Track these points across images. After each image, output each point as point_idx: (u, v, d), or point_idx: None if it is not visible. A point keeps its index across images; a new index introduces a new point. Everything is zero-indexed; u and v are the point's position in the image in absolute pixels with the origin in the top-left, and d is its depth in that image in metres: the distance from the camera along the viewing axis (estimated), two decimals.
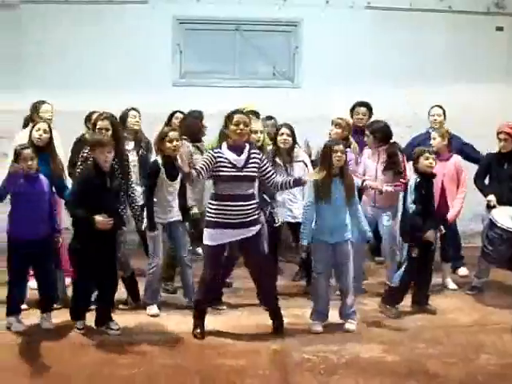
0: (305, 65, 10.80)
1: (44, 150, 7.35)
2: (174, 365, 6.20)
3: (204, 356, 6.42)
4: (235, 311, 7.56)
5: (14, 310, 6.94)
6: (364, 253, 8.45)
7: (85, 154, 7.47)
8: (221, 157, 6.65)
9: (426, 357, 6.43)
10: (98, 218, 6.58)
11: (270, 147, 8.20)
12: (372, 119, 9.03)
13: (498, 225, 7.79)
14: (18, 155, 6.77)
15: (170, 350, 6.55)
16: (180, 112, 9.02)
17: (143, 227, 7.42)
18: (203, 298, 6.99)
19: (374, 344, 6.72)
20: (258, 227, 6.84)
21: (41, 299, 7.09)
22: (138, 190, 7.86)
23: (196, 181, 6.80)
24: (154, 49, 10.53)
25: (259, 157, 6.84)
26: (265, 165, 6.87)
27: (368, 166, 8.13)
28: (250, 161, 6.76)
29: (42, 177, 6.97)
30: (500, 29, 11.00)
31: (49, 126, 7.59)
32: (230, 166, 6.65)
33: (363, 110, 9.20)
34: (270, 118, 9.16)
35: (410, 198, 7.40)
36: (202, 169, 6.59)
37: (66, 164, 7.98)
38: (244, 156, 6.74)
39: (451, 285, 8.56)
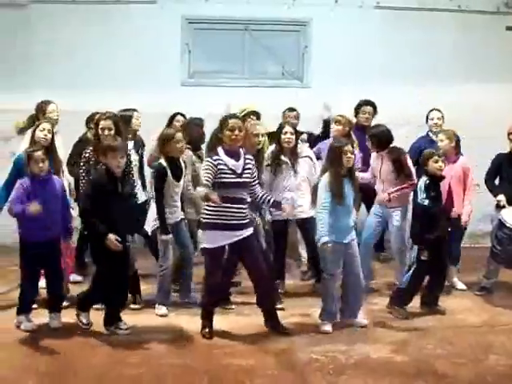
0: (314, 64, 10.78)
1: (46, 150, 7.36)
2: (183, 364, 6.18)
3: (212, 356, 6.41)
4: (243, 311, 7.54)
5: (24, 309, 6.95)
6: (372, 252, 8.42)
7: (87, 155, 7.49)
8: (220, 164, 6.63)
9: (434, 357, 6.40)
10: (112, 236, 6.56)
11: (272, 147, 8.16)
12: (377, 118, 9.08)
13: (507, 225, 7.78)
14: (29, 157, 6.79)
15: (178, 349, 6.54)
16: (181, 114, 8.98)
17: (150, 230, 7.41)
18: (208, 300, 6.98)
19: (382, 344, 6.70)
20: (252, 228, 6.89)
21: (49, 299, 7.11)
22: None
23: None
24: (162, 48, 10.53)
25: (252, 163, 6.90)
26: (255, 171, 6.93)
27: (373, 169, 8.15)
28: (246, 166, 6.79)
29: (54, 178, 6.98)
30: (510, 28, 10.95)
31: (52, 126, 7.62)
32: (229, 172, 6.65)
33: (369, 108, 9.19)
34: (292, 109, 9.19)
35: (421, 196, 7.37)
36: (208, 181, 6.55)
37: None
38: (241, 162, 6.76)
39: (459, 285, 8.53)
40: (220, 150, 6.74)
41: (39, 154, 6.77)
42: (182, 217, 7.60)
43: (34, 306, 7.17)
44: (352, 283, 7.11)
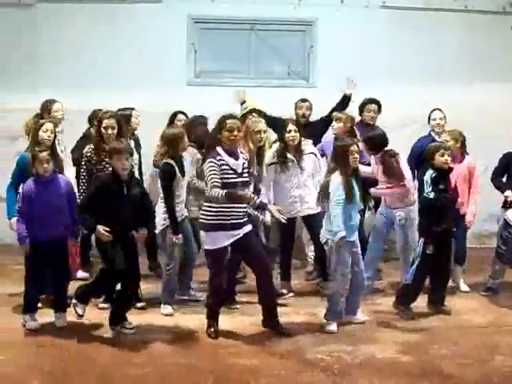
0: (320, 64, 10.77)
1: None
2: (188, 364, 6.19)
3: (217, 355, 6.41)
4: (249, 311, 7.53)
5: (29, 308, 6.97)
6: (381, 252, 8.41)
7: (88, 154, 7.49)
8: (223, 164, 6.62)
9: (440, 358, 6.39)
10: (100, 228, 6.62)
11: (275, 145, 8.16)
12: (383, 118, 9.10)
13: None
14: (34, 158, 6.82)
15: (183, 349, 6.54)
16: (182, 113, 9.00)
17: (159, 229, 7.41)
18: (214, 300, 6.98)
19: (388, 344, 6.70)
20: (251, 224, 6.90)
21: (54, 298, 7.12)
22: None
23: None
24: (168, 48, 10.53)
25: (247, 162, 6.94)
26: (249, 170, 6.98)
27: (373, 171, 8.16)
28: (244, 165, 6.82)
29: (59, 178, 6.99)
30: None
31: (55, 126, 7.66)
32: (231, 171, 6.65)
33: (374, 106, 9.16)
34: (304, 100, 9.20)
35: (427, 189, 7.36)
36: (218, 182, 6.53)
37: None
38: (241, 161, 6.78)
39: (463, 287, 8.50)
40: (220, 149, 6.72)
41: (44, 154, 6.79)
42: (186, 214, 7.61)
43: (39, 305, 7.18)
44: (356, 282, 7.15)
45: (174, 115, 8.96)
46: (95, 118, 8.09)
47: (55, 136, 7.57)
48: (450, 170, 7.52)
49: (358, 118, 8.94)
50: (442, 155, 7.38)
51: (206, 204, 6.74)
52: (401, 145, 8.93)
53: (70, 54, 10.41)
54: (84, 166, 7.55)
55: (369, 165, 8.14)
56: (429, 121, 9.06)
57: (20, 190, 7.08)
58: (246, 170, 6.82)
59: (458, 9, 10.81)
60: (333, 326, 7.03)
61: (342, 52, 10.45)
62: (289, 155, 7.98)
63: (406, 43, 10.65)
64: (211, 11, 10.69)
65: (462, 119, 9.06)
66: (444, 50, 10.69)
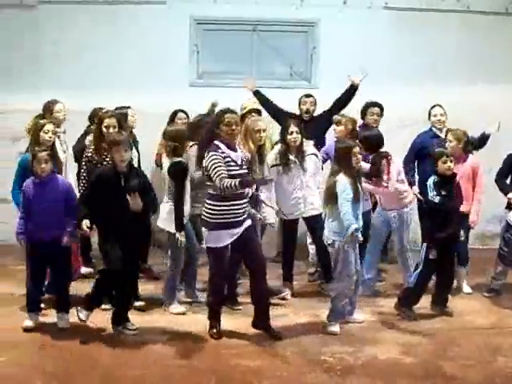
0: (322, 65, 10.76)
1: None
2: (190, 365, 6.19)
3: (220, 356, 6.41)
4: (251, 311, 7.47)
5: (31, 308, 6.97)
6: (379, 253, 8.40)
7: (89, 154, 7.50)
8: (226, 156, 6.63)
9: (443, 359, 6.39)
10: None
11: (277, 147, 8.14)
12: (385, 119, 9.16)
13: None
14: (33, 157, 6.83)
15: (185, 349, 6.53)
16: (182, 111, 9.02)
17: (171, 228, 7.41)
18: (214, 299, 6.97)
19: (390, 346, 6.69)
20: (250, 220, 6.91)
21: (56, 299, 7.13)
22: None
23: None
24: (170, 49, 10.52)
25: (247, 159, 6.96)
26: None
27: None
28: (243, 158, 6.83)
29: (58, 179, 6.98)
30: None
31: (56, 126, 7.67)
32: (233, 164, 6.66)
33: (377, 110, 9.15)
34: (309, 95, 9.24)
35: (431, 193, 7.39)
36: (225, 173, 6.52)
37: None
38: (239, 153, 6.80)
39: (466, 288, 8.47)
40: (219, 143, 6.69)
41: (43, 154, 6.79)
42: (189, 211, 7.57)
43: (42, 305, 7.19)
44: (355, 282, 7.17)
45: (175, 114, 8.99)
46: (95, 116, 8.09)
47: (58, 137, 7.57)
48: (454, 175, 7.51)
49: (359, 121, 8.92)
50: (445, 162, 7.38)
51: (210, 202, 6.73)
52: (402, 145, 8.97)
53: (72, 54, 10.41)
54: (84, 166, 7.57)
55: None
56: (429, 117, 9.07)
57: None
58: (244, 162, 6.82)
59: (460, 10, 10.78)
60: (335, 327, 7.02)
61: (345, 53, 10.42)
62: (291, 156, 7.97)
63: (408, 44, 10.63)
64: (214, 12, 10.68)
65: (464, 120, 9.03)
66: (446, 50, 10.68)
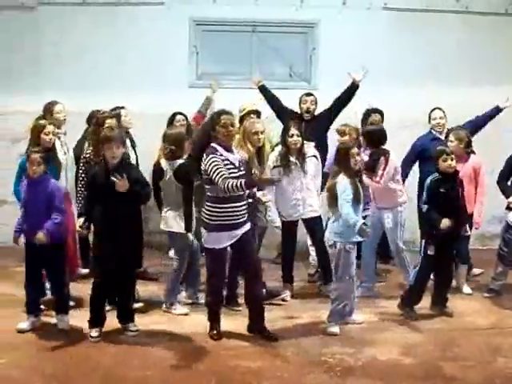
0: (321, 66, 10.75)
1: (49, 150, 7.41)
2: (190, 366, 6.18)
3: (219, 357, 6.41)
4: None
5: (30, 309, 6.98)
6: (375, 252, 8.40)
7: (87, 156, 7.50)
8: (224, 159, 6.62)
9: (443, 360, 6.39)
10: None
11: (278, 149, 8.14)
12: (384, 121, 9.13)
13: None
14: (27, 158, 6.86)
15: (185, 351, 6.54)
16: (181, 114, 9.03)
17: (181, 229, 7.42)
18: (212, 300, 6.97)
19: (390, 346, 6.70)
20: (249, 223, 6.91)
21: (54, 300, 7.13)
22: None
23: None
24: (170, 50, 10.52)
25: (245, 161, 6.98)
26: None
27: None
28: (240, 159, 6.82)
29: (49, 181, 6.93)
30: None
31: (56, 127, 7.70)
32: (232, 166, 6.65)
33: (378, 116, 9.15)
34: (309, 94, 9.26)
35: (424, 197, 7.50)
36: (227, 174, 6.51)
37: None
38: (236, 155, 6.79)
39: (465, 289, 8.46)
40: (216, 146, 6.68)
41: (36, 156, 6.77)
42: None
43: (42, 307, 7.20)
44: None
45: (173, 116, 9.00)
46: (94, 117, 8.08)
47: (58, 138, 7.57)
48: (456, 172, 7.52)
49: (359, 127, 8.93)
50: (445, 160, 7.38)
51: (210, 204, 6.73)
52: (402, 146, 8.96)
53: (73, 56, 10.40)
54: (83, 168, 7.56)
55: None
56: (429, 120, 9.07)
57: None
58: (241, 164, 6.81)
59: (460, 10, 10.78)
60: (335, 328, 7.02)
61: (344, 54, 10.40)
62: (291, 158, 7.97)
63: (408, 45, 10.62)
64: (213, 13, 10.67)
65: (466, 120, 9.02)
66: (446, 51, 10.67)
